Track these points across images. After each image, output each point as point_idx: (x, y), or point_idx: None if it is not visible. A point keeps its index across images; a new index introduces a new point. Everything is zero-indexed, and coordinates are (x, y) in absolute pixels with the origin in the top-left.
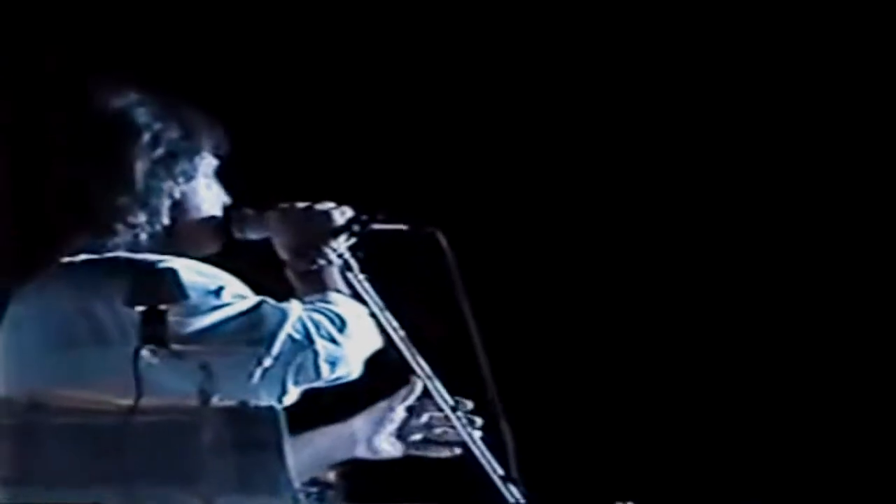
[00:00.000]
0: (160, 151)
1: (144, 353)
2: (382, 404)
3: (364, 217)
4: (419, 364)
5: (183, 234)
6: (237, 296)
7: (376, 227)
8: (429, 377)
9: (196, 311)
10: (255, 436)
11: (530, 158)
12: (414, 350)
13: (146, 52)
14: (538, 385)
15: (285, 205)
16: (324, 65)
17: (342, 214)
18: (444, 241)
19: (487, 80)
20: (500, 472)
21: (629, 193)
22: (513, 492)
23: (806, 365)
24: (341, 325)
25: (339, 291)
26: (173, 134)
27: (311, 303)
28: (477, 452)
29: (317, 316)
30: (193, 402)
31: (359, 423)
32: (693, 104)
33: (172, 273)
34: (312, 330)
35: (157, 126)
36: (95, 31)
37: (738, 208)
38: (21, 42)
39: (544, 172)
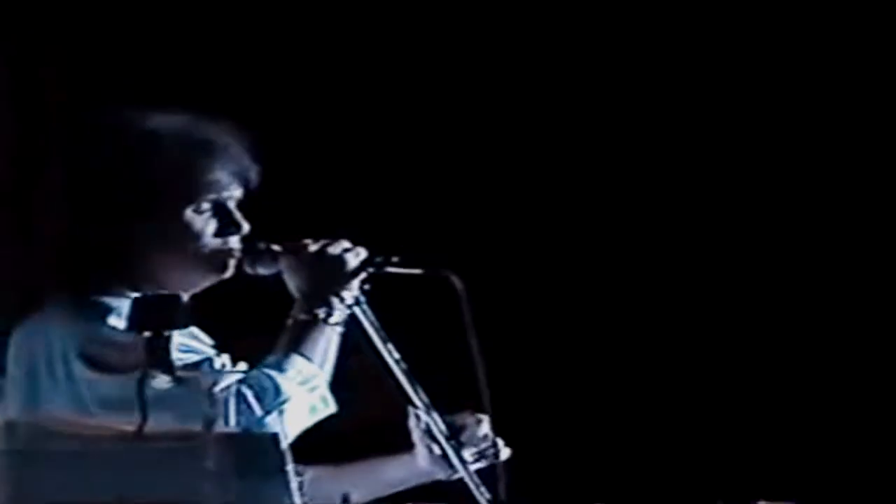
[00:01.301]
0: (185, 176)
1: (150, 379)
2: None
3: (379, 259)
4: (419, 395)
5: (189, 265)
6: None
7: (391, 269)
8: (427, 408)
9: None
10: (258, 463)
11: (543, 207)
12: (415, 382)
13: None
14: (538, 423)
15: (298, 244)
16: (347, 105)
17: (356, 257)
18: (459, 285)
19: (504, 131)
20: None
21: (633, 240)
22: None
23: (804, 366)
24: (273, 398)
25: (305, 357)
26: (199, 159)
27: (265, 365)
28: (468, 480)
29: (246, 390)
30: (197, 428)
31: (423, 453)
32: (689, 122)
33: (177, 300)
34: (231, 407)
35: (182, 150)
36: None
37: (734, 223)
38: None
39: (555, 219)
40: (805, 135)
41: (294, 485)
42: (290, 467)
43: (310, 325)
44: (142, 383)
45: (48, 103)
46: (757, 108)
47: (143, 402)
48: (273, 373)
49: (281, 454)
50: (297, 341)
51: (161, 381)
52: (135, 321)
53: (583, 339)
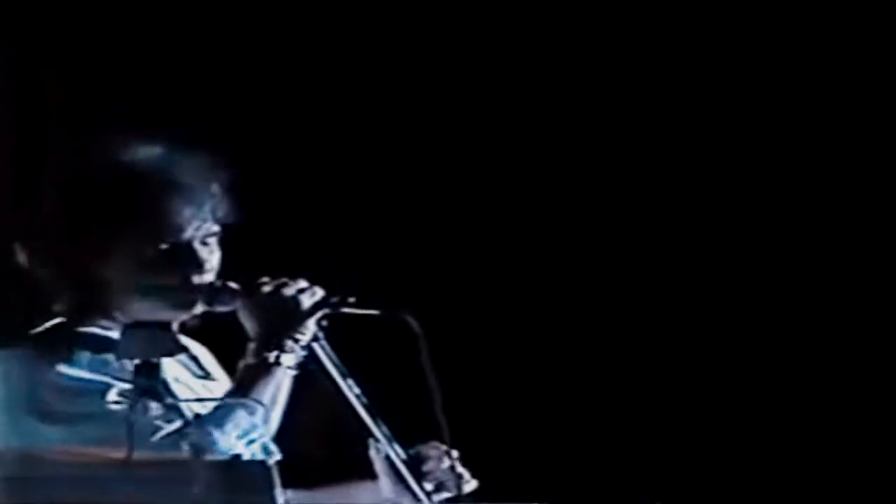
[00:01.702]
0: (172, 206)
1: (139, 406)
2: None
3: (334, 300)
4: (379, 428)
5: (152, 303)
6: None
7: (347, 310)
8: (388, 440)
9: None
10: (247, 490)
11: (505, 244)
12: (375, 415)
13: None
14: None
15: (254, 283)
16: (306, 139)
17: (311, 297)
18: (416, 327)
19: (464, 168)
20: None
21: (606, 277)
22: None
23: (801, 368)
24: (211, 454)
25: (248, 407)
26: (197, 191)
27: (207, 419)
28: None
29: (184, 445)
30: (185, 455)
31: (385, 482)
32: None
33: (167, 326)
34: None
35: (184, 180)
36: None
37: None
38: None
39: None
40: (805, 135)
41: None
42: (278, 493)
43: (259, 370)
44: (131, 409)
45: (48, 103)
46: (756, 108)
47: (130, 430)
48: (211, 429)
49: (270, 480)
50: (244, 388)
51: (150, 409)
52: (124, 349)
53: (546, 372)
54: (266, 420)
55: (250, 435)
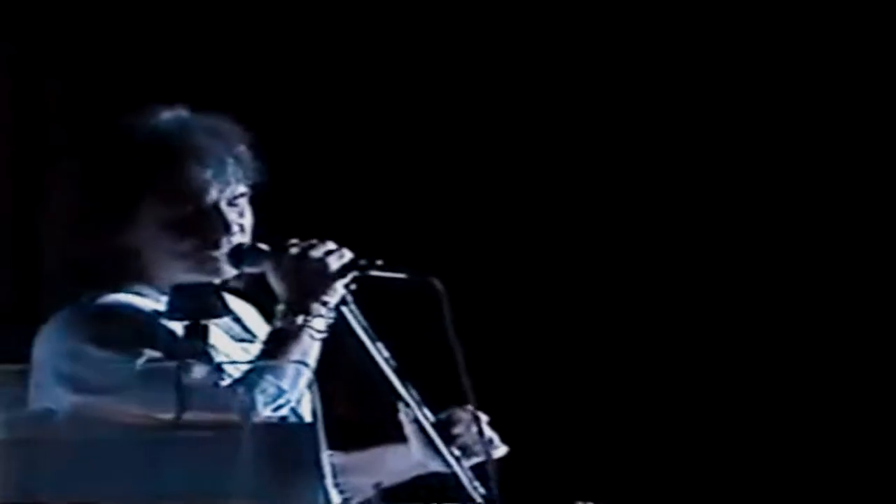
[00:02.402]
0: (209, 169)
1: (187, 367)
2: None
3: (362, 262)
4: (410, 392)
5: (181, 267)
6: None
7: (374, 273)
8: (418, 404)
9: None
10: (292, 452)
11: (525, 210)
12: (405, 379)
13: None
14: (528, 422)
15: (283, 244)
16: (336, 110)
17: (339, 259)
18: (441, 289)
19: (487, 137)
20: (482, 492)
21: (613, 248)
22: None
23: (799, 369)
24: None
25: (275, 374)
26: (220, 153)
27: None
28: (460, 474)
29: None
30: (233, 417)
31: (416, 445)
32: (678, 126)
33: (214, 288)
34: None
35: (205, 143)
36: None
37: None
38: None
39: (538, 224)
40: (805, 135)
41: (328, 471)
42: (324, 455)
43: (287, 334)
44: (179, 372)
45: (48, 103)
46: (756, 108)
47: (180, 391)
48: (241, 389)
49: (316, 442)
50: (271, 352)
51: (198, 371)
52: (173, 310)
53: (569, 337)
54: (294, 384)
55: (277, 402)
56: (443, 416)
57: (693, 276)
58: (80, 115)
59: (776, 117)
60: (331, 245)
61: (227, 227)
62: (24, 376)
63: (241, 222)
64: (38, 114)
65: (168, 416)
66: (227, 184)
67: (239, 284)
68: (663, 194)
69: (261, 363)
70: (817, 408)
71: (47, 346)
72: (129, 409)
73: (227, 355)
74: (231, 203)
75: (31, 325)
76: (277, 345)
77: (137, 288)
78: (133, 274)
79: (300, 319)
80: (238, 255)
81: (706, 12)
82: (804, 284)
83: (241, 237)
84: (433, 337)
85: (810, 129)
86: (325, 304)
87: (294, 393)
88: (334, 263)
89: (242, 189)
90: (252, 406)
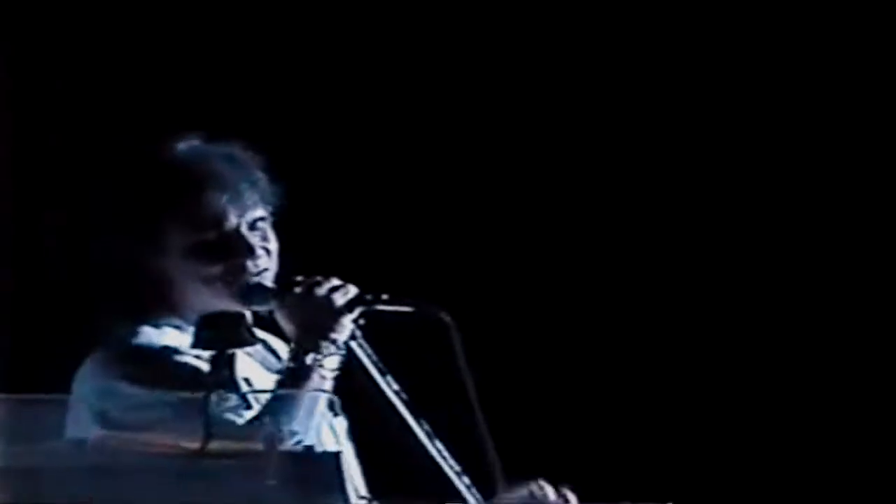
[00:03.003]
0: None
1: (214, 397)
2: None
3: (368, 297)
4: (420, 425)
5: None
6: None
7: (381, 307)
8: (429, 437)
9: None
10: (317, 481)
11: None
12: (416, 412)
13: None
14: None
15: (288, 282)
16: (338, 142)
17: (344, 295)
18: (450, 323)
19: (487, 166)
20: None
21: (612, 274)
22: None
23: (797, 370)
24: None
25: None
26: (235, 178)
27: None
28: None
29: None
30: (259, 446)
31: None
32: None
33: (241, 317)
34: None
35: (221, 169)
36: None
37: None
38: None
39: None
40: (805, 135)
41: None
42: (348, 484)
43: (296, 373)
44: (206, 401)
45: (48, 103)
46: (756, 108)
47: (207, 420)
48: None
49: (340, 471)
50: (283, 395)
51: (225, 400)
52: (199, 339)
53: (577, 363)
54: (305, 426)
55: (288, 442)
56: (523, 490)
57: (694, 277)
58: (80, 115)
59: (776, 117)
60: (336, 281)
61: (250, 251)
62: (60, 406)
63: (266, 246)
64: (38, 114)
65: (194, 445)
66: (245, 208)
67: (269, 315)
68: (663, 203)
69: (276, 403)
70: (817, 408)
71: (84, 385)
72: (156, 441)
73: (260, 386)
74: (252, 227)
75: (31, 325)
76: (288, 384)
77: (167, 319)
78: (165, 302)
79: (309, 358)
80: (246, 294)
81: (706, 12)
82: (804, 284)
83: (268, 261)
84: (443, 369)
85: (810, 129)
86: (333, 341)
87: (306, 434)
88: (340, 299)
89: (261, 213)
90: (278, 435)
